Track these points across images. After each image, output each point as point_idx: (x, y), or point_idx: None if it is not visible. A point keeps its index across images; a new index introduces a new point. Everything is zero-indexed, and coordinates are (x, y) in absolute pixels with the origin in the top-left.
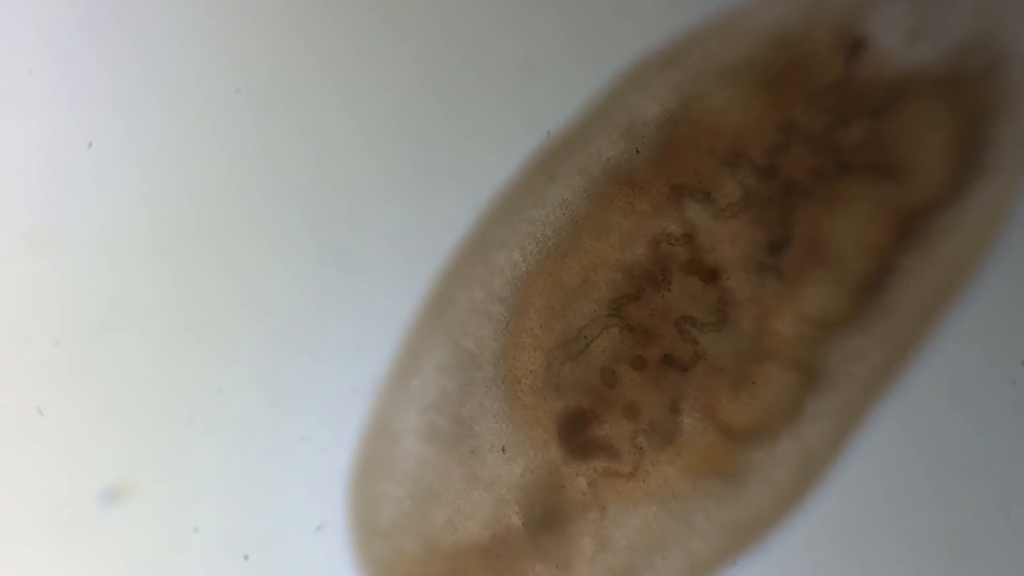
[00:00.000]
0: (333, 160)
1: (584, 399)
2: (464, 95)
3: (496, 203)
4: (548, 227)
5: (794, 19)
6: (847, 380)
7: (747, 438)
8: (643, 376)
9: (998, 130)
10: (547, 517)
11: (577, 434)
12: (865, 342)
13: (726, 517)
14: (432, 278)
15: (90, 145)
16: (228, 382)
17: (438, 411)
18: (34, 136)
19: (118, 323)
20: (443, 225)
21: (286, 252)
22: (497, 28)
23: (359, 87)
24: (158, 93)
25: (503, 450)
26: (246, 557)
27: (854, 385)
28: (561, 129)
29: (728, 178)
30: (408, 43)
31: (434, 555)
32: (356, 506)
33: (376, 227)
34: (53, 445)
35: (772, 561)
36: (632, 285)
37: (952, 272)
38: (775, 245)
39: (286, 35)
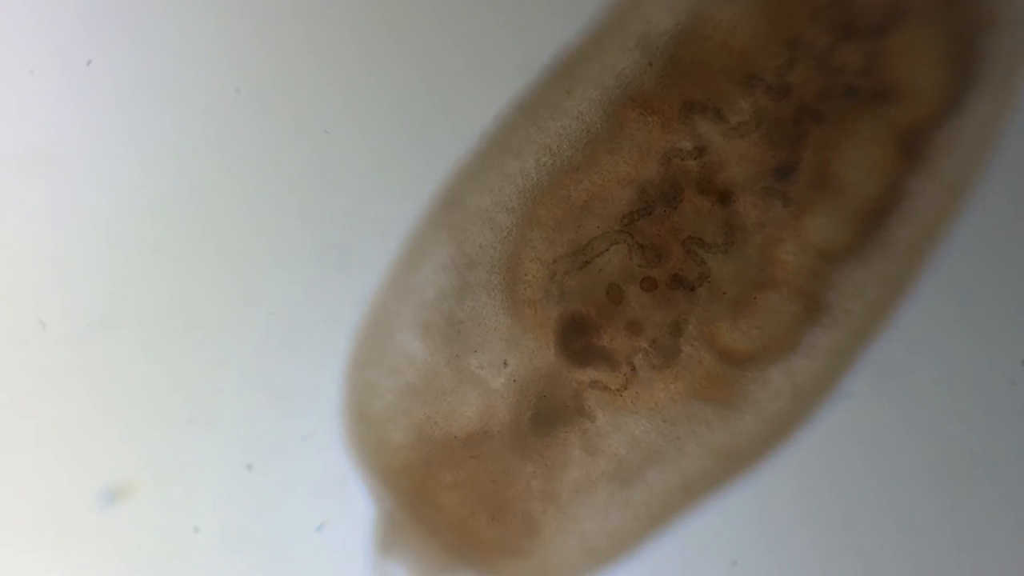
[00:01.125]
0: (333, 160)
1: (586, 309)
2: (465, 96)
3: (514, 112)
4: (563, 140)
5: None
6: (844, 318)
7: (743, 366)
8: (649, 295)
9: (992, 43)
10: (536, 420)
11: (575, 341)
12: (864, 278)
13: (717, 442)
14: (445, 178)
15: (90, 145)
16: (228, 382)
17: (433, 309)
18: (34, 136)
19: (118, 323)
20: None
21: (286, 252)
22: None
23: (359, 87)
24: (158, 93)
25: (504, 364)
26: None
27: (849, 325)
28: (577, 38)
29: (739, 97)
30: (408, 43)
31: (416, 446)
32: (349, 391)
33: (376, 227)
34: (53, 445)
35: (776, 560)
36: (643, 201)
37: (953, 192)
38: (783, 169)
39: (286, 35)
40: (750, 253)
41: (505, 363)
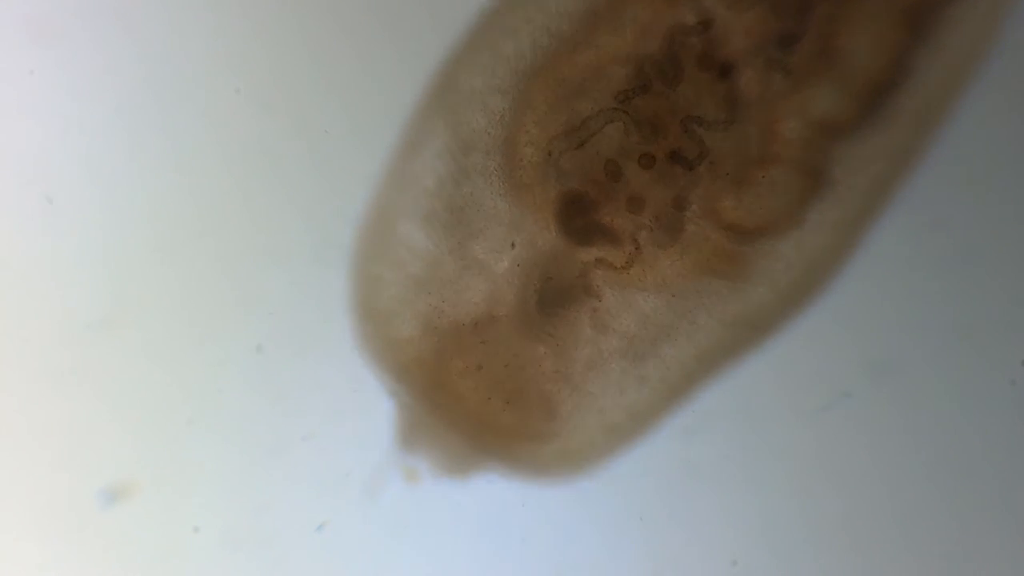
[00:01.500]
0: (333, 160)
1: (585, 187)
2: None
3: None
4: (563, 19)
5: None
6: (849, 193)
7: (751, 239)
8: (648, 173)
9: None
10: (542, 301)
11: (576, 219)
12: (868, 152)
13: (730, 314)
14: (438, 62)
15: (90, 145)
16: (228, 382)
17: (433, 197)
18: (34, 136)
19: (118, 323)
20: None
21: (286, 252)
22: None
23: (359, 87)
24: (158, 93)
25: (512, 245)
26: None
27: (854, 200)
28: None
29: None
30: (408, 42)
31: (425, 338)
32: (355, 289)
33: None
34: (53, 445)
35: (776, 559)
36: (641, 79)
37: (958, 69)
38: (787, 39)
39: (286, 35)
40: (751, 130)
41: (513, 245)
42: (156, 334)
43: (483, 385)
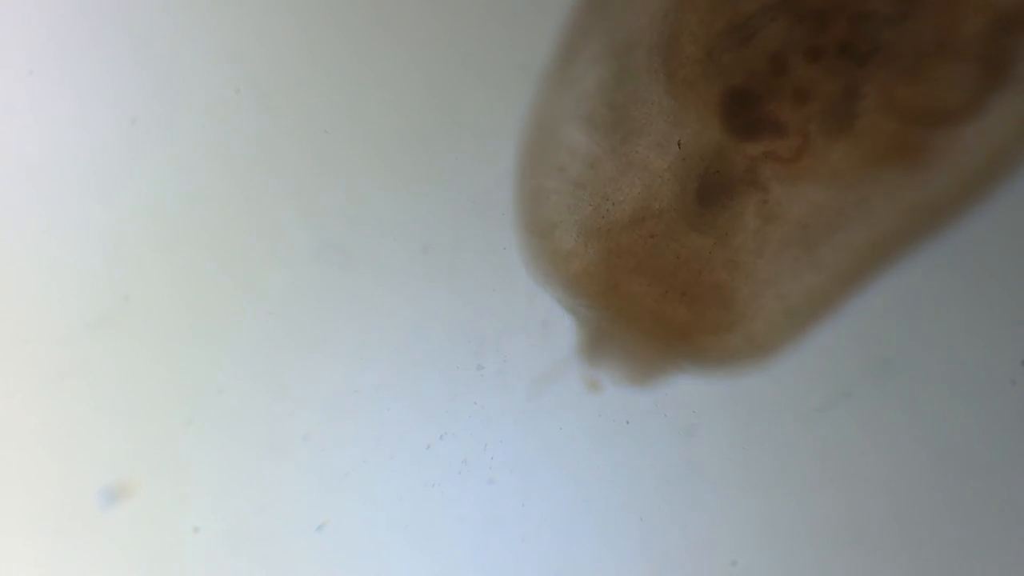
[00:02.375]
0: (333, 160)
1: (750, 82)
2: (464, 98)
3: None
4: None
5: None
6: None
7: (930, 124)
8: (815, 66)
9: None
10: (706, 194)
11: (740, 114)
12: None
13: (908, 201)
14: None
15: (90, 145)
16: (228, 382)
17: (593, 98)
18: (34, 136)
19: (118, 323)
20: (445, 224)
21: (286, 252)
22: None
23: (359, 87)
24: (158, 93)
25: (679, 144)
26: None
27: None
28: None
29: None
30: (408, 42)
31: (591, 242)
32: (517, 203)
33: (376, 227)
34: (53, 445)
35: (776, 559)
36: None
37: None
38: None
39: (286, 35)
40: (926, 26)
41: (679, 143)
42: (156, 334)
43: (657, 280)
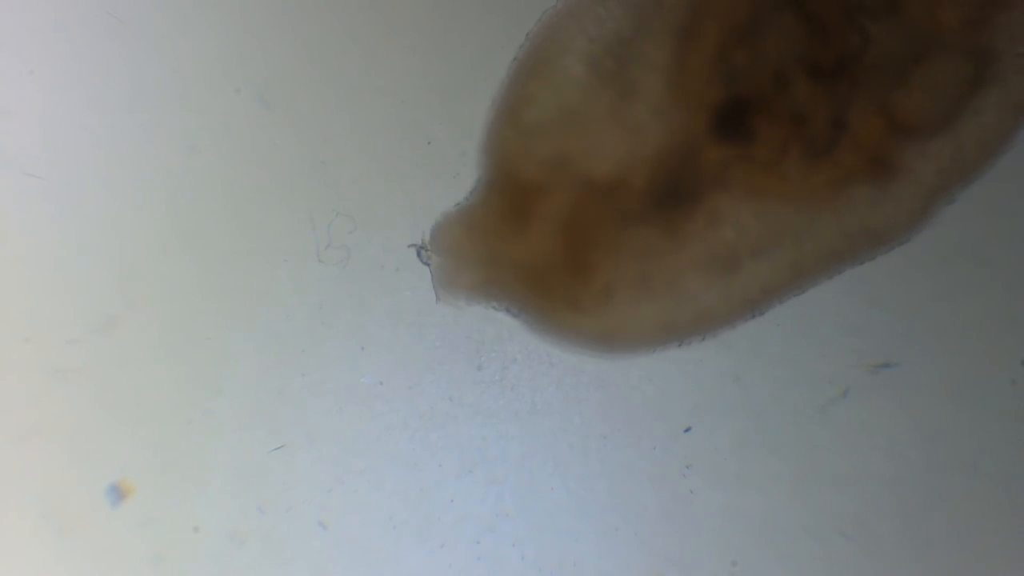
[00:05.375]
0: (333, 160)
1: (748, 89)
2: (466, 98)
3: None
4: None
5: None
6: (1013, 64)
7: (909, 131)
8: (812, 82)
9: None
10: (672, 186)
11: (731, 119)
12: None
13: (854, 225)
14: None
15: (90, 145)
16: (228, 382)
17: (605, 45)
18: (34, 136)
19: (119, 323)
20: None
21: (286, 252)
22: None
23: (359, 87)
24: (158, 93)
25: (659, 115)
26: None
27: (1019, 72)
28: None
29: None
30: (408, 42)
31: (547, 168)
32: (506, 96)
33: (376, 227)
34: (53, 445)
35: (776, 559)
36: None
37: None
38: None
39: (286, 35)
40: (913, 15)
41: (659, 117)
42: (157, 335)
43: (561, 236)
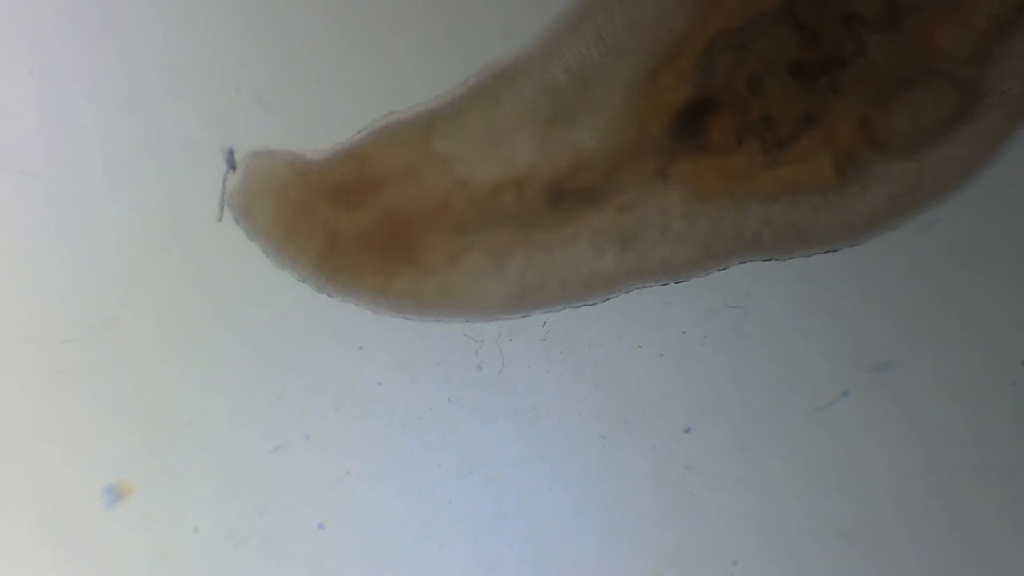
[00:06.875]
0: None
1: (718, 93)
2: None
3: None
4: None
5: None
6: (995, 100)
7: (880, 146)
8: (792, 82)
9: None
10: (561, 194)
11: (691, 118)
12: None
13: (788, 219)
14: None
15: (90, 145)
16: (227, 382)
17: (566, 71)
18: (34, 136)
19: (118, 323)
20: None
21: None
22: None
23: (359, 87)
24: (159, 93)
25: (595, 130)
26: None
27: (1004, 106)
28: None
29: None
30: (408, 42)
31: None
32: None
33: None
34: (53, 445)
35: (776, 559)
36: None
37: None
38: None
39: (286, 35)
40: (911, 33)
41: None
42: (156, 335)
43: (388, 225)
